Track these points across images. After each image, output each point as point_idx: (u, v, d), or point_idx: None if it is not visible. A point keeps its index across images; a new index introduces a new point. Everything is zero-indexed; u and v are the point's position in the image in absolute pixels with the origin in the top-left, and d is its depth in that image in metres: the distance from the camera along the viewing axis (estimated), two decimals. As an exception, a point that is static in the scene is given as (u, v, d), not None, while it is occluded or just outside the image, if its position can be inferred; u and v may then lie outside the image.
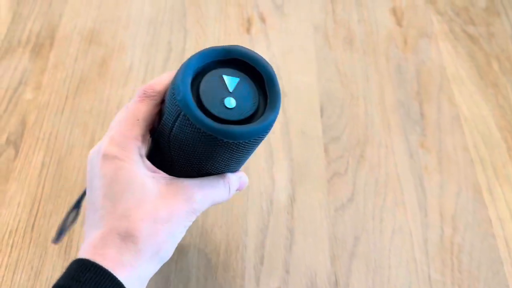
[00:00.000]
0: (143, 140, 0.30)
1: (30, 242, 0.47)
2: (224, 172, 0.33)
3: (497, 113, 0.57)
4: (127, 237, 0.27)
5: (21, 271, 0.45)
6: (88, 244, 0.28)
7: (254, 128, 0.30)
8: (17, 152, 0.52)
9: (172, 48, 0.62)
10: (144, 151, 0.31)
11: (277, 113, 0.32)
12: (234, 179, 0.34)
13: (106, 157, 0.29)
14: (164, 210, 0.28)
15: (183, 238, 0.46)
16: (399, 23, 0.65)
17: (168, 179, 0.30)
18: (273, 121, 0.31)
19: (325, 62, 0.61)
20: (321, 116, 0.56)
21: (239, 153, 0.32)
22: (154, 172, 0.30)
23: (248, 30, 0.64)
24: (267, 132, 0.31)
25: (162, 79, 0.32)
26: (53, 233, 0.47)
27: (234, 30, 0.64)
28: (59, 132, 0.54)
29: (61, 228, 0.37)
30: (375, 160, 0.53)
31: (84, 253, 0.28)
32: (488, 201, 0.50)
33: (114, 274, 0.26)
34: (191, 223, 0.30)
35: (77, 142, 0.54)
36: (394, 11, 0.66)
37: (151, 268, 0.29)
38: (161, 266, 0.45)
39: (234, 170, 0.35)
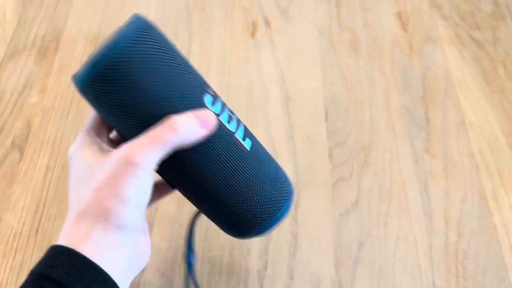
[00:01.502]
0: (98, 132, 0.32)
1: (34, 245, 0.47)
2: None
3: (503, 118, 0.57)
4: (81, 216, 0.28)
5: (25, 275, 0.45)
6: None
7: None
8: (22, 155, 0.53)
9: (177, 52, 0.62)
10: (104, 139, 0.33)
11: None
12: (178, 122, 0.29)
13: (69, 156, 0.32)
14: (101, 177, 0.28)
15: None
16: (404, 27, 0.65)
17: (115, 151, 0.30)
18: None
19: (330, 66, 0.61)
20: (326, 121, 0.56)
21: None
22: (109, 151, 0.30)
23: (253, 35, 0.64)
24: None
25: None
26: (57, 237, 0.47)
27: (239, 34, 0.64)
28: (64, 136, 0.54)
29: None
30: (379, 165, 0.53)
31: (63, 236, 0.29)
32: (493, 207, 0.50)
33: (75, 249, 0.27)
34: (140, 180, 0.28)
35: (81, 146, 0.54)
36: (399, 16, 0.66)
37: (109, 236, 0.28)
38: (165, 270, 0.45)
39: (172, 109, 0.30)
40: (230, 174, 0.32)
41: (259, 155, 0.34)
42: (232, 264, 0.46)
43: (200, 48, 0.63)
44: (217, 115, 0.32)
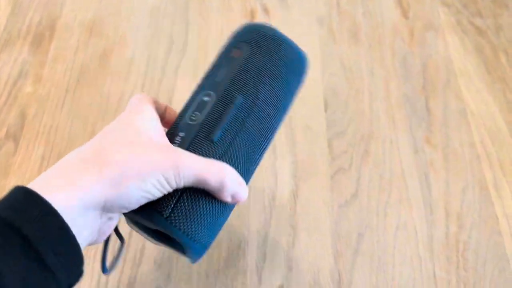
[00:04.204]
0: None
1: (30, 237, 0.46)
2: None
3: (505, 108, 0.56)
4: (95, 165, 0.26)
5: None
6: (48, 172, 0.26)
7: None
8: (16, 145, 0.52)
9: (174, 40, 0.61)
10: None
11: None
12: (233, 176, 0.30)
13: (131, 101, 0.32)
14: (149, 150, 0.28)
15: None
16: (405, 15, 0.64)
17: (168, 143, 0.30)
18: None
19: (329, 56, 0.60)
20: (325, 111, 0.55)
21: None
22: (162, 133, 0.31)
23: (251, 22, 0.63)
24: None
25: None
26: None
27: (237, 22, 0.63)
28: (59, 126, 0.54)
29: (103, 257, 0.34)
30: (379, 156, 0.52)
31: (40, 181, 0.26)
32: (495, 197, 0.49)
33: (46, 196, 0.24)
34: (162, 182, 0.28)
35: (77, 136, 0.53)
36: (400, 3, 0.65)
37: (101, 196, 0.26)
38: (162, 262, 0.45)
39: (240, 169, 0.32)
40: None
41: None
42: (231, 255, 0.45)
43: (197, 36, 0.61)
44: None
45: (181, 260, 0.45)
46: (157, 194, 0.28)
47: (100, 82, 0.57)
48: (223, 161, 0.31)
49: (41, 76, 0.58)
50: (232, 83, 0.33)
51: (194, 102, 0.33)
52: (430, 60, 0.60)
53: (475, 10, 0.65)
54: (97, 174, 0.26)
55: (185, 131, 0.31)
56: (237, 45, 0.34)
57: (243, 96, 0.32)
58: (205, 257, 0.45)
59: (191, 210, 0.30)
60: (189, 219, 0.30)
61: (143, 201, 0.28)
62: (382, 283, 0.44)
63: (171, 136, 0.32)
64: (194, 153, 0.30)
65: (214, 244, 0.46)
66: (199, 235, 0.30)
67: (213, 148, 0.31)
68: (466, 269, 0.45)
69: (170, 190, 0.28)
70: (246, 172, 0.32)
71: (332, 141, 0.53)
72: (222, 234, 0.46)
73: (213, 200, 0.30)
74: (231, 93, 0.32)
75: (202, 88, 0.34)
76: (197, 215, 0.30)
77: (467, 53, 0.61)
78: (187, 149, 0.31)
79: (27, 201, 0.24)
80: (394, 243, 0.46)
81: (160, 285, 0.44)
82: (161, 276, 0.44)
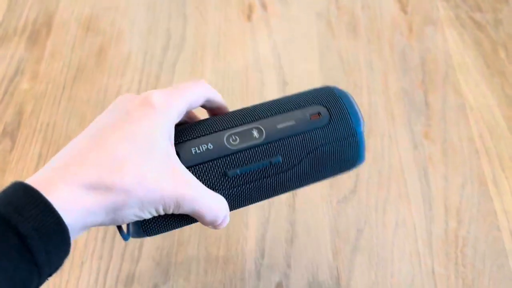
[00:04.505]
0: (179, 116, 0.29)
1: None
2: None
3: (503, 102, 0.56)
4: (98, 187, 0.24)
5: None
6: (54, 172, 0.24)
7: None
8: (13, 143, 0.52)
9: (171, 35, 0.61)
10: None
11: None
12: (226, 215, 0.30)
13: (146, 100, 0.27)
14: (158, 181, 0.26)
15: (183, 230, 0.46)
16: (404, 9, 0.64)
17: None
18: None
19: (327, 50, 0.60)
20: (324, 106, 0.55)
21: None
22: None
23: (249, 17, 0.62)
24: None
25: (219, 96, 0.32)
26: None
27: (235, 16, 0.62)
28: (57, 123, 0.53)
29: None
30: (378, 151, 0.52)
31: (40, 180, 0.24)
32: (494, 193, 0.49)
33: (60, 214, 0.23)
34: (159, 210, 0.27)
35: (74, 133, 0.53)
36: (399, -3, 0.65)
37: (98, 219, 0.25)
38: (160, 259, 0.45)
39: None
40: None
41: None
42: (229, 252, 0.45)
43: (194, 31, 0.61)
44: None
45: (180, 257, 0.45)
46: (148, 217, 0.27)
47: (97, 78, 0.57)
48: (223, 195, 0.29)
49: (38, 72, 0.57)
50: (285, 141, 0.30)
51: (244, 123, 0.30)
52: (429, 55, 0.59)
53: (474, 5, 0.64)
54: (101, 199, 0.24)
55: (214, 146, 0.29)
56: (321, 110, 0.31)
57: (284, 159, 0.30)
58: (204, 253, 0.45)
59: (161, 226, 0.29)
60: (153, 231, 0.29)
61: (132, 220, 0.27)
62: (381, 279, 0.44)
63: (196, 133, 0.30)
64: (204, 172, 0.29)
65: (212, 241, 0.46)
66: (149, 234, 0.30)
67: (223, 180, 0.29)
68: (465, 264, 0.45)
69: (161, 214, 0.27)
70: (238, 207, 0.32)
71: (330, 136, 0.53)
72: (221, 231, 0.46)
73: (188, 220, 0.30)
74: (276, 149, 0.30)
75: (262, 117, 0.31)
76: (164, 229, 0.30)
77: (466, 47, 0.60)
78: (200, 164, 0.29)
79: (26, 198, 0.23)
80: (393, 239, 0.46)
81: (158, 282, 0.44)
82: (159, 273, 0.44)
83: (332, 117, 0.31)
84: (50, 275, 0.24)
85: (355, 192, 0.49)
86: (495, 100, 0.56)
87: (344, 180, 0.50)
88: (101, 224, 0.26)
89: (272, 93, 0.56)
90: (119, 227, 0.30)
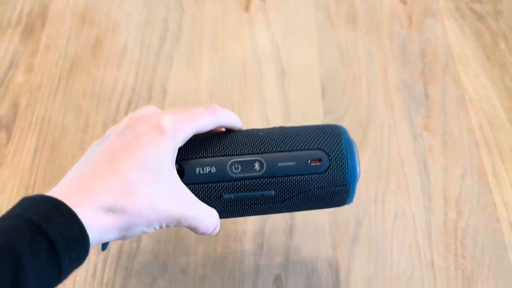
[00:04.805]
0: (184, 140, 0.31)
1: (24, 229, 0.45)
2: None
3: (503, 94, 0.55)
4: (115, 210, 0.27)
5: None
6: (76, 192, 0.27)
7: None
8: (9, 137, 0.51)
9: (169, 27, 0.60)
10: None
11: None
12: (218, 227, 0.33)
13: (157, 126, 0.29)
14: (165, 203, 0.29)
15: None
16: (403, 0, 0.63)
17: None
18: None
19: (326, 41, 0.59)
20: (323, 97, 0.55)
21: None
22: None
23: (246, 8, 0.62)
24: None
25: (231, 114, 0.34)
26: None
27: (232, 8, 0.62)
28: (52, 116, 0.53)
29: None
30: (377, 142, 0.52)
31: (63, 195, 0.27)
32: (493, 184, 0.49)
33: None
34: (162, 226, 0.30)
35: (70, 126, 0.52)
36: (398, -12, 0.64)
37: (112, 236, 0.29)
38: (159, 251, 0.45)
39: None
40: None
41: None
42: (228, 245, 0.45)
43: (191, 22, 0.60)
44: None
45: (178, 250, 0.45)
46: (151, 231, 0.30)
47: (93, 71, 0.56)
48: (217, 211, 0.33)
49: (33, 65, 0.57)
50: (281, 179, 0.33)
51: (249, 153, 0.33)
52: (428, 46, 0.59)
53: (474, -6, 0.63)
54: (116, 220, 0.27)
55: (217, 170, 0.32)
56: (322, 157, 0.33)
57: (276, 193, 0.33)
58: (202, 246, 0.45)
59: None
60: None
61: None
62: (380, 271, 0.44)
63: (203, 153, 0.32)
64: (201, 191, 0.32)
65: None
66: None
67: (217, 201, 0.32)
68: (464, 256, 0.45)
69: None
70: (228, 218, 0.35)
71: (329, 128, 0.52)
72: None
73: None
74: (272, 184, 0.32)
75: (266, 151, 0.33)
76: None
77: (466, 38, 0.60)
78: (200, 184, 0.32)
79: (55, 208, 0.25)
80: (392, 231, 0.46)
81: (157, 276, 0.43)
82: (158, 267, 0.44)
83: (330, 166, 0.33)
84: (60, 282, 0.26)
85: (354, 184, 0.49)
86: (495, 91, 0.55)
87: (343, 172, 0.49)
88: (112, 240, 0.29)
89: (270, 85, 0.55)
90: None
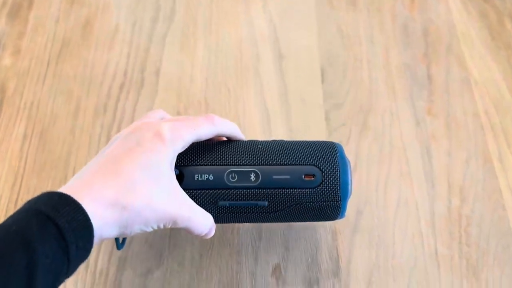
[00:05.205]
0: (184, 147, 0.33)
1: (13, 219, 0.44)
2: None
3: (509, 76, 0.53)
4: (115, 206, 0.29)
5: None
6: (79, 188, 0.29)
7: None
8: (-4, 123, 0.49)
9: (161, 6, 0.57)
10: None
11: None
12: (213, 230, 0.35)
13: (157, 134, 0.31)
14: (164, 204, 0.31)
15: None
16: (405, -22, 0.60)
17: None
18: None
19: (326, 22, 0.57)
20: (322, 81, 0.53)
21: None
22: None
23: (243, -12, 0.59)
24: None
25: (230, 124, 0.37)
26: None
27: (228, -13, 0.59)
28: (41, 101, 0.51)
29: None
30: (379, 128, 0.50)
31: (69, 191, 0.28)
32: (499, 170, 0.47)
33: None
34: (160, 226, 0.32)
35: (61, 111, 0.50)
36: (400, -34, 0.61)
37: (112, 232, 0.30)
38: (154, 242, 0.43)
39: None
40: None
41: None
42: (225, 235, 0.44)
43: (185, 2, 0.58)
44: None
45: (174, 239, 0.43)
46: (150, 231, 0.32)
47: (83, 53, 0.54)
48: (212, 216, 0.35)
49: (20, 48, 0.54)
50: (275, 191, 0.34)
51: (246, 164, 0.35)
52: (431, 26, 0.57)
53: (479, -28, 0.61)
54: (117, 215, 0.29)
55: (214, 178, 0.34)
56: (316, 173, 0.35)
57: (269, 204, 0.35)
58: (198, 237, 0.43)
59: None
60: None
61: None
62: (382, 261, 0.43)
63: (202, 160, 0.35)
64: (198, 196, 0.34)
65: (207, 223, 0.44)
66: None
67: (212, 206, 0.35)
68: (469, 244, 0.44)
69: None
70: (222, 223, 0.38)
71: (329, 113, 0.51)
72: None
73: None
74: (265, 195, 0.34)
75: (262, 163, 0.35)
76: None
77: (470, 18, 0.58)
78: (198, 190, 0.34)
79: (61, 200, 0.27)
80: (394, 219, 0.45)
81: (152, 266, 0.42)
82: (153, 257, 0.42)
83: (323, 182, 0.35)
84: (68, 276, 0.28)
85: (354, 170, 0.47)
86: (501, 73, 0.53)
87: (343, 158, 0.48)
88: (112, 237, 0.30)
89: (268, 68, 0.53)
90: (117, 238, 0.35)
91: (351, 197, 0.45)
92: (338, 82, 0.53)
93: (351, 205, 0.45)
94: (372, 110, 0.51)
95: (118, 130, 0.49)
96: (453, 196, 0.46)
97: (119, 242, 0.36)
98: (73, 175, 0.46)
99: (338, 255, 0.43)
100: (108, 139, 0.48)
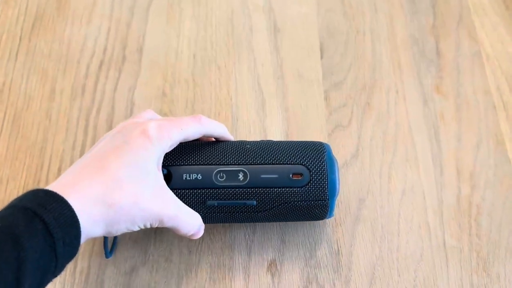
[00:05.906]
0: (171, 146, 0.34)
1: (-15, 213, 0.40)
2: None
3: (525, 49, 0.49)
4: (101, 203, 0.29)
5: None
6: (66, 184, 0.29)
7: None
8: (-37, 107, 0.45)
9: (144, -25, 0.52)
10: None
11: None
12: (201, 230, 0.35)
13: (144, 132, 0.31)
14: (150, 202, 0.31)
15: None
16: None
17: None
18: None
19: (325, -10, 0.52)
20: (321, 56, 0.48)
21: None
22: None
23: (233, -48, 0.54)
24: None
25: (218, 124, 0.37)
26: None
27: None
28: (14, 82, 0.46)
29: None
30: (383, 108, 0.46)
31: (56, 188, 0.28)
32: (512, 153, 0.44)
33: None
34: (146, 225, 0.32)
35: (35, 93, 0.46)
36: None
37: (99, 231, 0.30)
38: (137, 238, 0.40)
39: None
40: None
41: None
42: (215, 228, 0.40)
43: (171, -30, 0.52)
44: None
45: (160, 235, 0.40)
46: (136, 230, 0.32)
47: (58, 28, 0.49)
48: (201, 216, 0.35)
49: (-11, 21, 0.49)
50: (263, 190, 0.35)
51: (234, 164, 0.35)
52: (441, -6, 0.52)
53: None
54: (103, 212, 0.29)
55: (203, 177, 0.34)
56: (304, 172, 0.35)
57: (258, 203, 0.35)
58: (186, 230, 0.40)
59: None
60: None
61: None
62: (386, 254, 0.40)
63: (191, 160, 0.35)
64: (186, 196, 0.34)
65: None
66: None
67: (200, 206, 0.35)
68: (479, 235, 0.40)
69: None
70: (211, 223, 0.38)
71: (329, 92, 0.46)
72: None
73: None
74: (254, 194, 0.34)
75: (250, 163, 0.35)
76: None
77: (483, -16, 0.53)
78: (186, 189, 0.34)
79: (47, 196, 0.28)
80: (399, 208, 0.41)
81: (137, 264, 0.39)
82: (138, 253, 0.39)
83: (311, 181, 0.35)
84: (55, 275, 0.28)
85: (357, 156, 0.43)
86: (516, 46, 0.49)
87: (344, 143, 0.44)
88: (98, 235, 0.30)
89: (262, 41, 0.49)
90: (105, 244, 0.36)
91: (352, 185, 0.42)
92: (338, 56, 0.48)
93: (352, 193, 0.42)
94: (375, 88, 0.47)
95: (98, 113, 0.45)
96: (462, 182, 0.43)
97: (108, 250, 0.36)
98: (49, 163, 0.42)
99: (338, 248, 0.40)
100: (87, 122, 0.44)
